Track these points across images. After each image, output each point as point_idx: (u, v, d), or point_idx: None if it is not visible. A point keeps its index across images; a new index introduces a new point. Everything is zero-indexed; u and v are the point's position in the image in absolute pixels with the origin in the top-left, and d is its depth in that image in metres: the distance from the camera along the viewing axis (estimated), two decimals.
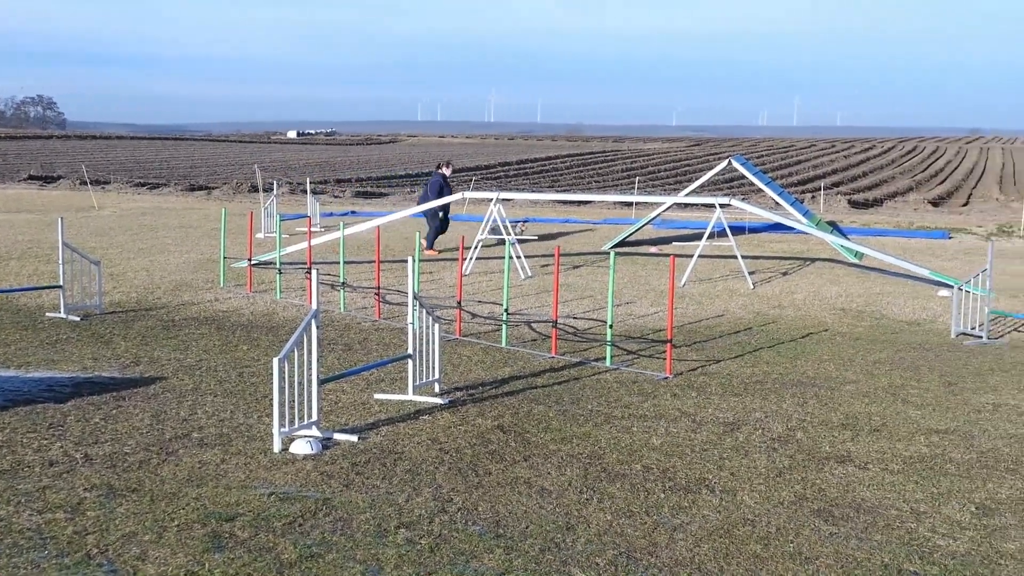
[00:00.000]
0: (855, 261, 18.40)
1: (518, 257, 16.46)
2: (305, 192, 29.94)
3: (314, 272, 7.72)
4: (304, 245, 14.86)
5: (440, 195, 18.80)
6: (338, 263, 13.64)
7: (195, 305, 13.12)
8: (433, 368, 8.72)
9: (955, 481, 6.66)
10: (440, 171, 19.59)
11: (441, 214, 19.23)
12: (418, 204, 19.63)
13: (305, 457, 6.85)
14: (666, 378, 9.56)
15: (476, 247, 16.71)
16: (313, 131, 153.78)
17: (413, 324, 8.45)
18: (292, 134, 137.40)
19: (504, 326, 11.21)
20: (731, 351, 10.93)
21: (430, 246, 18.97)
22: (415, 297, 8.43)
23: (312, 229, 21.99)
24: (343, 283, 13.19)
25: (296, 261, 16.40)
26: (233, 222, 21.41)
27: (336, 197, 37.56)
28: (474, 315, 12.56)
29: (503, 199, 17.43)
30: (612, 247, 19.89)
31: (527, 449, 7.17)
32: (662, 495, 6.26)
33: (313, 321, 7.24)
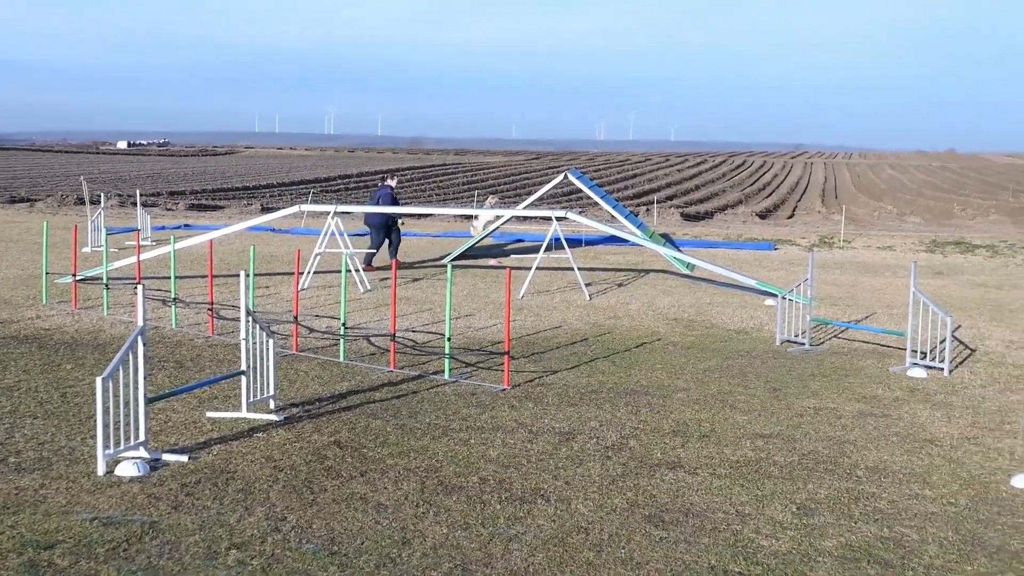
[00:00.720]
0: (687, 272, 18.97)
1: (357, 271, 16.33)
2: (135, 204, 28.94)
3: (140, 288, 7.47)
4: (133, 259, 14.36)
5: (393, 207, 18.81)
6: (170, 278, 13.23)
7: (15, 323, 12.50)
8: (268, 384, 8.56)
9: (778, 483, 6.94)
10: (387, 183, 19.38)
11: (392, 228, 18.92)
12: (366, 218, 19.31)
13: (131, 479, 6.61)
14: (504, 390, 9.63)
15: (314, 261, 16.48)
16: (145, 141, 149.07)
17: (246, 340, 8.27)
18: (123, 144, 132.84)
19: (342, 340, 11.10)
20: (568, 362, 11.10)
21: (369, 263, 18.61)
22: (248, 312, 8.26)
23: (142, 243, 21.28)
24: (175, 298, 12.80)
25: (126, 276, 15.82)
26: (57, 236, 20.54)
27: (169, 210, 36.42)
28: (312, 330, 12.38)
29: (341, 212, 17.25)
30: (452, 260, 19.96)
31: (364, 464, 7.11)
32: (498, 506, 6.31)
33: (140, 338, 7.00)
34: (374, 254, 18.84)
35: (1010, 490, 6.95)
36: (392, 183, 19.42)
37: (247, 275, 8.52)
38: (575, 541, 5.75)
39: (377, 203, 19.06)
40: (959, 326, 13.66)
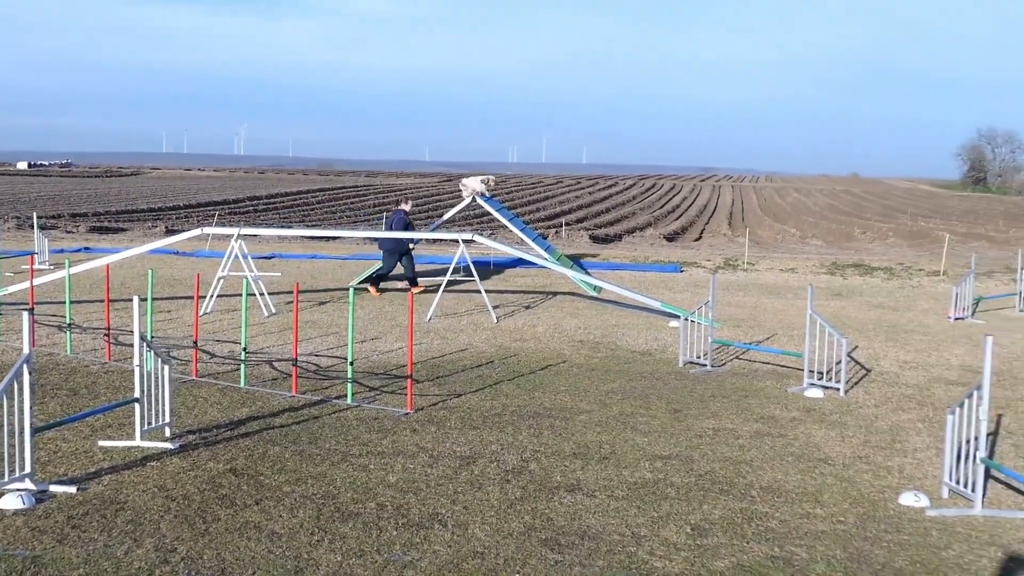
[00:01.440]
0: (594, 294, 19.13)
1: (261, 294, 16.12)
2: (33, 227, 28.17)
3: (26, 314, 7.27)
4: (27, 284, 13.96)
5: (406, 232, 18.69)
6: (65, 303, 12.89)
7: None
8: (163, 411, 8.38)
9: (674, 504, 7.02)
10: (401, 207, 19.14)
11: (405, 253, 18.75)
12: (379, 242, 19.06)
13: (15, 512, 6.41)
14: (407, 414, 9.58)
15: (217, 285, 16.22)
16: (47, 162, 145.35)
17: (140, 366, 8.10)
18: (23, 165, 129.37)
19: (243, 366, 10.93)
20: (472, 384, 11.09)
21: (376, 285, 18.74)
22: (141, 338, 8.09)
23: (40, 266, 20.70)
24: (69, 324, 12.48)
25: (20, 301, 15.38)
26: None
27: (69, 232, 35.54)
28: (212, 355, 12.18)
29: (245, 235, 17.03)
30: (360, 283, 19.83)
31: (259, 492, 7.00)
32: (394, 532, 6.26)
33: (25, 365, 6.80)
34: (383, 277, 18.91)
35: (897, 508, 7.13)
36: (406, 207, 19.29)
37: (141, 300, 8.34)
38: (470, 566, 5.74)
39: (391, 228, 19.01)
40: (855, 347, 14.01)
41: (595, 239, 38.18)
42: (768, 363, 12.85)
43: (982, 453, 7.04)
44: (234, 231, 16.72)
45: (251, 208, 52.98)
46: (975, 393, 7.18)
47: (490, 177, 20.01)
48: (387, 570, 5.65)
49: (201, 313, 15.34)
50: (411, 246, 19.25)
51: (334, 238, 32.28)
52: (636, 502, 7.03)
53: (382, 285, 19.13)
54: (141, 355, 8.12)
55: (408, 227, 18.93)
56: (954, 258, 29.45)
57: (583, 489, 7.31)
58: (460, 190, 19.92)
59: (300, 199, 62.85)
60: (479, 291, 16.76)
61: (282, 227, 39.67)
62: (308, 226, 41.48)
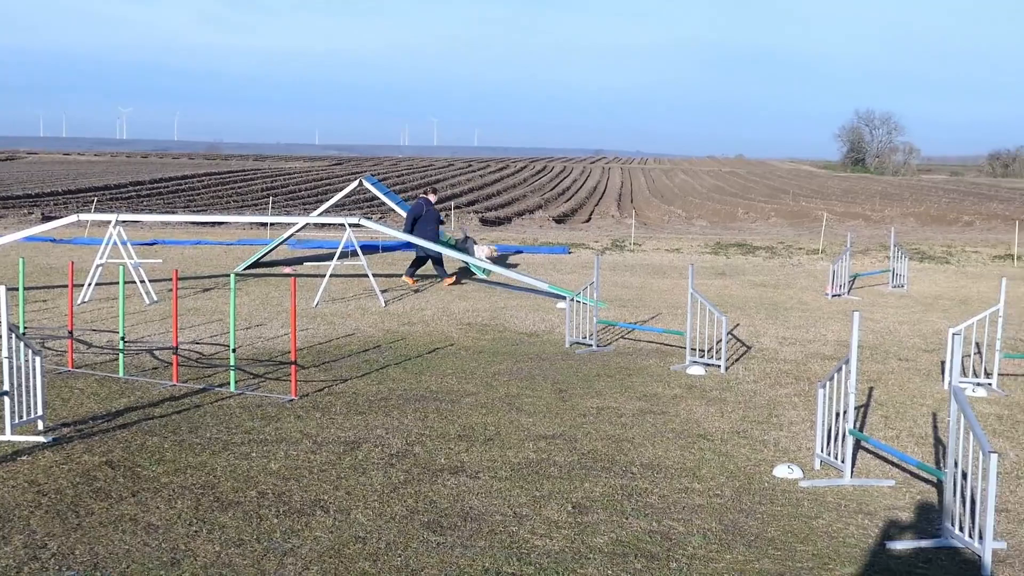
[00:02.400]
0: (483, 277, 19.18)
1: (141, 282, 15.73)
2: None
3: None
4: None
5: (436, 223, 18.38)
6: None
7: None
8: (35, 404, 8.13)
9: (556, 483, 7.10)
10: (426, 196, 18.60)
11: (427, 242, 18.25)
12: (407, 231, 18.47)
13: None
14: (291, 400, 9.48)
15: (95, 273, 15.77)
16: None
17: (10, 358, 7.84)
18: None
19: (121, 355, 10.66)
20: (359, 369, 11.02)
21: (444, 274, 18.48)
22: (10, 328, 7.82)
23: None
24: None
25: None
26: None
27: None
28: (90, 345, 11.86)
29: (124, 220, 16.59)
30: (245, 268, 19.52)
31: (136, 484, 6.85)
32: (275, 520, 6.20)
33: None
34: (442, 267, 18.66)
35: (772, 480, 7.35)
36: (431, 197, 18.79)
37: (10, 289, 8.07)
38: (352, 551, 5.72)
39: (411, 214, 18.48)
40: (736, 325, 14.36)
41: (485, 222, 38.25)
42: (652, 342, 13.07)
43: (850, 425, 7.29)
44: (111, 217, 16.26)
45: (133, 193, 51.52)
46: (843, 367, 7.43)
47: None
48: (267, 558, 5.59)
49: (78, 302, 14.91)
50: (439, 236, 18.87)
51: (220, 223, 31.67)
52: (519, 482, 7.09)
53: (419, 272, 18.89)
54: (10, 347, 7.86)
55: (418, 219, 18.28)
56: (832, 237, 30.37)
57: (467, 471, 7.34)
58: (351, 175, 19.73)
59: (185, 184, 61.39)
60: (367, 275, 16.65)
61: (166, 213, 38.75)
62: (193, 211, 40.59)
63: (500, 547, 5.84)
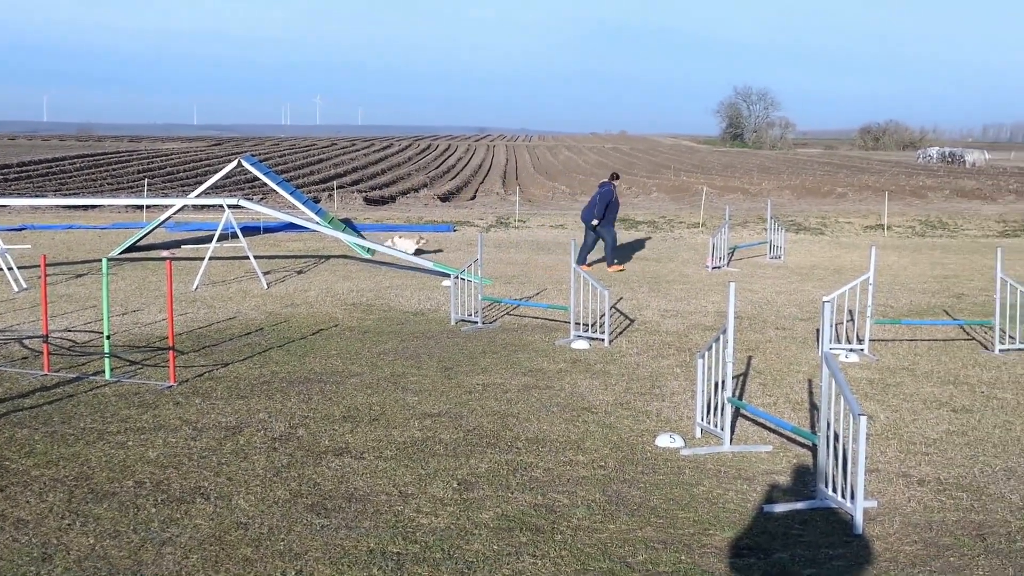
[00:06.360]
0: (367, 257, 19.01)
1: (9, 268, 15.14)
2: None
3: None
4: None
5: (611, 208, 18.07)
6: None
7: None
8: None
9: (442, 461, 7.09)
10: (611, 182, 18.29)
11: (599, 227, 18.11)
12: (586, 216, 18.41)
13: None
14: (170, 387, 9.25)
15: None
16: None
17: None
18: None
19: None
20: (241, 353, 10.82)
21: (583, 261, 18.10)
22: None
23: None
24: None
25: None
26: None
27: None
28: None
29: None
30: (120, 253, 18.96)
31: (5, 478, 6.59)
32: (153, 510, 6.04)
33: None
34: (587, 253, 18.35)
35: (654, 450, 7.46)
36: (616, 183, 18.46)
37: None
38: (233, 538, 5.61)
39: (594, 202, 18.18)
40: (620, 299, 14.54)
41: (369, 201, 37.90)
42: (538, 318, 13.15)
43: (728, 393, 7.45)
44: None
45: (0, 177, 49.51)
46: (721, 337, 7.59)
47: None
48: (144, 548, 5.44)
49: None
50: (594, 222, 18.28)
51: (93, 207, 30.67)
52: (404, 461, 7.06)
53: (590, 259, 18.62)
54: None
55: (611, 205, 18.14)
56: (712, 210, 30.99)
57: (351, 452, 7.27)
58: (231, 155, 19.33)
59: (56, 166, 59.19)
60: (248, 257, 16.34)
61: (35, 196, 37.35)
62: (65, 195, 39.22)
63: (385, 527, 5.80)
